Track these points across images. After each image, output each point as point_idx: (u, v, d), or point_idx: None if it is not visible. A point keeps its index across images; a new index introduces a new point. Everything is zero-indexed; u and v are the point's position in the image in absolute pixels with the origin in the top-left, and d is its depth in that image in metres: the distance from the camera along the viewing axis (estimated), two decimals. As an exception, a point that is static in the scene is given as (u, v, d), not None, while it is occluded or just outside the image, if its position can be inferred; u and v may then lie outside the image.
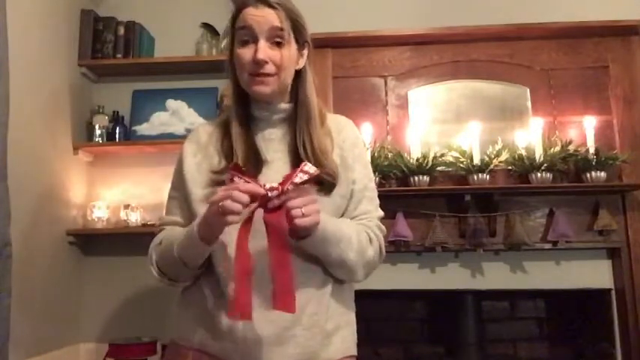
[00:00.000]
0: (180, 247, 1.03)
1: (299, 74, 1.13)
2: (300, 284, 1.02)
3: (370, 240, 1.09)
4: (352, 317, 1.14)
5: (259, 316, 1.01)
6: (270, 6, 1.06)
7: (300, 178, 0.93)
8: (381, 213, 1.17)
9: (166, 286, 1.11)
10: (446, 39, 2.50)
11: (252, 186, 0.92)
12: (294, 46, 1.09)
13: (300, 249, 1.02)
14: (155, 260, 1.10)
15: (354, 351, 1.11)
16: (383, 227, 1.15)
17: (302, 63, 1.13)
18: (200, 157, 1.13)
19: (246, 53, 1.06)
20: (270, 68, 1.06)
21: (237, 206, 0.90)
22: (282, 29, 1.06)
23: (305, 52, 1.13)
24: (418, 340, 2.65)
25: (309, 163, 0.95)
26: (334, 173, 1.07)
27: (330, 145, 1.12)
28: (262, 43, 1.05)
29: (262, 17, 1.05)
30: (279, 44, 1.06)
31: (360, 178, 1.13)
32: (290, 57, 1.08)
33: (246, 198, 0.91)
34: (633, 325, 2.24)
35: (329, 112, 1.20)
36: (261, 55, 1.04)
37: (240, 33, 1.08)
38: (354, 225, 1.08)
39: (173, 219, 1.14)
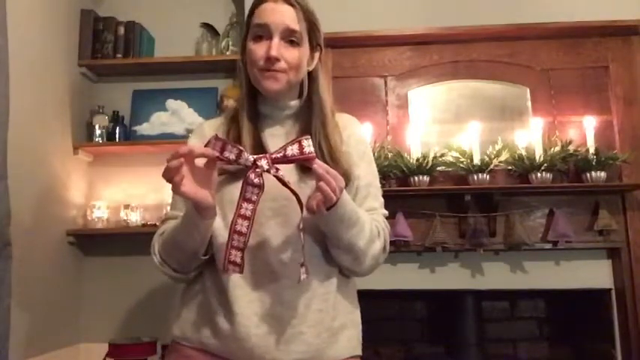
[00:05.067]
0: (177, 229, 1.03)
1: (310, 75, 1.13)
2: (304, 280, 1.02)
3: (378, 233, 1.09)
4: (358, 316, 1.14)
5: (264, 313, 1.01)
6: (289, 3, 1.06)
7: (291, 150, 0.94)
8: (386, 212, 1.16)
9: (169, 278, 1.10)
10: (446, 39, 2.50)
11: (206, 149, 0.92)
12: (307, 47, 1.09)
13: (306, 241, 1.01)
14: (157, 249, 1.08)
15: (359, 351, 1.12)
16: (388, 226, 1.14)
17: (313, 65, 1.13)
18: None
19: (258, 49, 1.06)
20: (281, 66, 1.05)
21: (173, 162, 0.90)
22: (297, 30, 1.06)
23: (317, 54, 1.14)
24: (418, 340, 2.65)
25: (309, 140, 0.95)
26: (347, 172, 1.07)
27: (340, 141, 1.11)
28: (276, 41, 1.05)
29: (279, 14, 1.05)
30: (292, 43, 1.06)
31: (364, 175, 1.13)
32: (303, 57, 1.08)
33: (185, 150, 0.90)
34: (633, 325, 2.24)
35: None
36: (273, 53, 1.04)
37: (255, 28, 1.07)
38: (367, 214, 1.08)
39: (178, 213, 1.12)
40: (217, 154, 0.93)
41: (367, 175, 1.14)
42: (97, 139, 2.55)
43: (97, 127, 2.55)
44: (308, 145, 0.93)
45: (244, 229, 0.94)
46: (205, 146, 0.93)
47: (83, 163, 2.59)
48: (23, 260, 1.97)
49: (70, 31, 2.54)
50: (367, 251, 1.05)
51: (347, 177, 1.05)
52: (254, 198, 0.94)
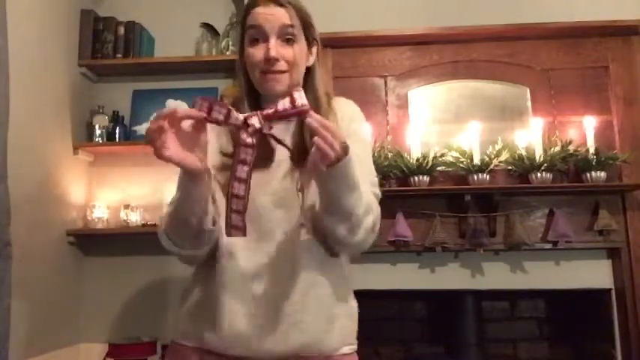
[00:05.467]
0: (177, 205, 1.00)
1: (308, 70, 1.14)
2: (303, 267, 1.02)
3: (371, 209, 1.04)
4: (352, 306, 1.13)
5: (264, 305, 1.01)
6: (280, 4, 1.07)
7: (282, 104, 0.88)
8: (379, 192, 1.11)
9: (182, 260, 1.07)
10: (446, 39, 2.50)
11: (191, 110, 0.88)
12: (304, 43, 1.10)
13: (303, 231, 0.99)
14: (163, 228, 1.05)
15: (352, 339, 1.11)
16: (379, 207, 1.09)
17: (311, 61, 1.14)
18: (211, 135, 1.07)
19: (257, 52, 1.07)
20: (282, 65, 1.06)
21: (152, 125, 0.86)
22: (292, 26, 1.07)
23: (314, 49, 1.14)
24: (418, 340, 2.65)
25: (301, 92, 0.90)
26: None
27: (335, 124, 1.08)
28: (273, 41, 1.06)
29: (272, 15, 1.06)
30: (289, 41, 1.07)
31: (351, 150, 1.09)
32: (301, 54, 1.09)
33: (167, 112, 0.86)
34: (633, 325, 2.24)
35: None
36: (272, 53, 1.04)
37: (251, 32, 1.08)
38: (365, 189, 1.04)
39: None
40: (204, 115, 0.88)
41: (354, 150, 1.07)
42: (97, 139, 2.55)
43: (97, 127, 2.55)
44: (300, 97, 0.88)
45: (242, 192, 0.91)
46: (191, 107, 0.89)
47: (83, 163, 2.59)
48: (23, 260, 1.97)
49: (70, 31, 2.54)
50: (363, 221, 1.01)
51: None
52: (248, 159, 0.90)
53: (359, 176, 1.03)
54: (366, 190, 1.03)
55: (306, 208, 1.02)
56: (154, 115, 0.87)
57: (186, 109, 0.89)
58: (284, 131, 1.09)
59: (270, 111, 0.90)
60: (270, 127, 0.90)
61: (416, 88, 2.52)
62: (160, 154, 0.87)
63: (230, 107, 0.89)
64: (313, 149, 0.88)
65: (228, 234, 0.94)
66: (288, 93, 0.91)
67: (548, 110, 2.44)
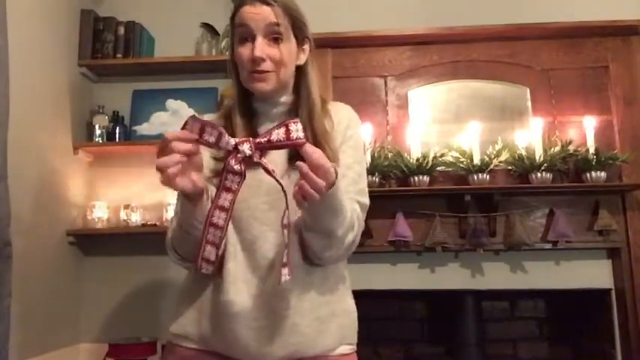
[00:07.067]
0: (180, 224, 1.00)
1: (300, 70, 1.13)
2: (297, 269, 1.00)
3: (353, 226, 1.03)
4: (348, 304, 1.12)
5: (261, 307, 1.01)
6: (267, 3, 1.06)
7: (276, 134, 0.85)
8: (366, 202, 1.10)
9: (182, 267, 1.08)
10: (446, 39, 2.50)
11: (183, 132, 0.85)
12: (293, 42, 1.09)
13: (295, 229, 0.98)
14: (169, 238, 1.06)
15: (351, 339, 1.10)
16: (363, 218, 1.09)
17: (303, 59, 1.13)
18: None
19: (245, 51, 1.06)
20: (268, 65, 1.05)
21: (173, 158, 0.84)
22: (278, 25, 1.05)
23: (306, 47, 1.13)
24: (418, 340, 2.65)
25: (298, 124, 0.86)
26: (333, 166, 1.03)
27: (330, 129, 1.10)
28: (260, 41, 1.05)
29: (258, 14, 1.05)
30: (276, 40, 1.06)
31: (344, 158, 1.09)
32: (289, 53, 1.08)
33: (183, 147, 0.84)
34: (633, 325, 2.24)
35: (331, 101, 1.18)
36: (258, 53, 1.04)
37: (239, 31, 1.07)
38: (350, 202, 1.03)
39: None
40: (196, 136, 0.85)
41: (347, 158, 1.10)
42: (97, 139, 2.54)
43: (97, 127, 2.55)
44: (296, 130, 0.85)
45: (221, 222, 0.88)
46: (182, 129, 0.86)
47: (83, 163, 2.59)
48: (23, 260, 1.97)
49: (70, 31, 2.54)
50: (343, 239, 1.01)
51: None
52: (234, 187, 0.87)
53: (346, 187, 1.02)
54: (350, 206, 1.02)
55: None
56: (160, 145, 0.85)
57: (178, 132, 0.86)
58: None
59: (263, 139, 0.86)
60: (261, 155, 0.87)
61: (416, 88, 2.52)
62: (173, 185, 0.86)
63: (222, 130, 0.86)
64: (298, 188, 0.86)
65: (199, 266, 0.90)
66: (283, 122, 0.87)
67: (548, 110, 2.44)
